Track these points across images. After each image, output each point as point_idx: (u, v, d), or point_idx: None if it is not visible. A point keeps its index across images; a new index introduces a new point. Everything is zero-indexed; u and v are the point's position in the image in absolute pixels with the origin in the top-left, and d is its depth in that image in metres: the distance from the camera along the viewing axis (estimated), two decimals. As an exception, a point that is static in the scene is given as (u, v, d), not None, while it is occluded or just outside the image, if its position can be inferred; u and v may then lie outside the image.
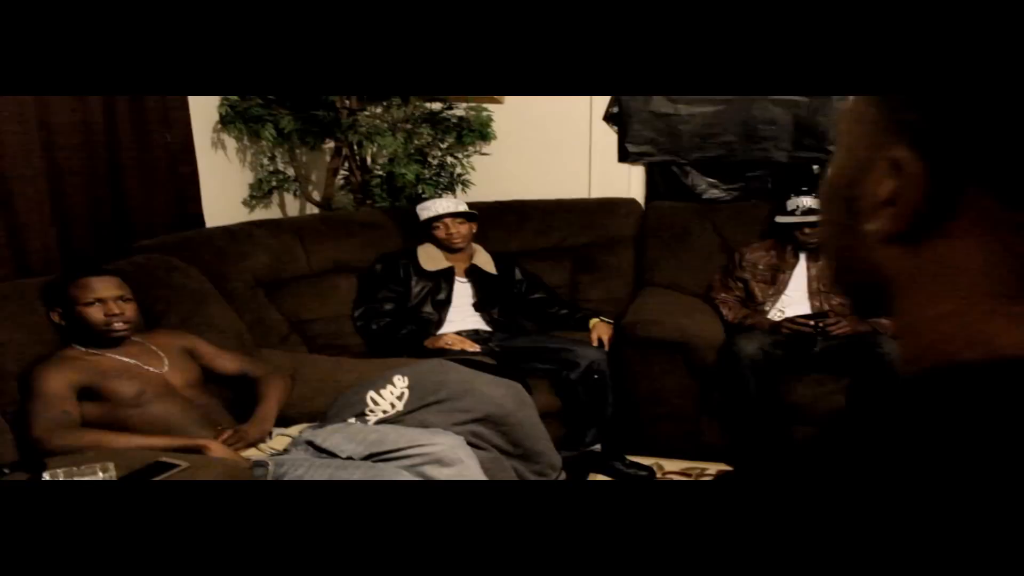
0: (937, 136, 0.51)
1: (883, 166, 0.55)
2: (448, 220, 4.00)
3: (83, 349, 2.75)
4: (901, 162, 0.53)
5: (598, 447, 3.69)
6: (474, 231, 4.10)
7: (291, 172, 4.67)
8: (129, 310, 2.82)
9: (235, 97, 4.27)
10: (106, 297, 2.76)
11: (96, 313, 2.74)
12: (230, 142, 4.42)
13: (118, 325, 2.77)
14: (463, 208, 4.06)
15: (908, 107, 0.53)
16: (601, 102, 4.67)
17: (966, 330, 0.53)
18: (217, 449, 2.57)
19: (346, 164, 4.51)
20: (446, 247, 4.02)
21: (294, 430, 2.87)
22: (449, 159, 4.55)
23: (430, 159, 4.50)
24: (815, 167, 4.56)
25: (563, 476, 3.16)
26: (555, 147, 4.77)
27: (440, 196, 4.27)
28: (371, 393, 2.87)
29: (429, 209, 4.04)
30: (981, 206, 0.51)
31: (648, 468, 3.73)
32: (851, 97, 0.62)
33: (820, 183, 0.70)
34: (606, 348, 3.85)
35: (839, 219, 0.61)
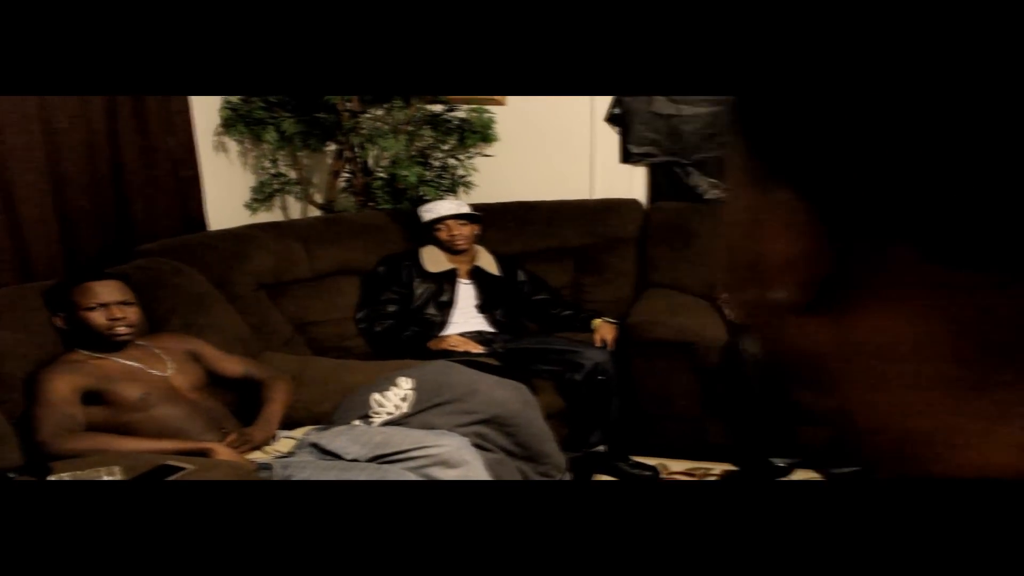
0: (822, 174, 0.37)
1: (776, 214, 0.40)
2: (451, 222, 4.00)
3: (87, 353, 2.75)
4: (788, 208, 0.39)
5: (602, 448, 3.69)
6: (477, 233, 4.10)
7: (293, 175, 4.67)
8: (132, 314, 2.82)
9: (237, 100, 4.27)
10: (108, 301, 2.76)
11: (99, 317, 2.74)
12: (232, 145, 4.42)
13: (121, 329, 2.77)
14: (466, 210, 4.06)
15: (781, 132, 0.39)
16: (602, 103, 4.66)
17: (921, 432, 0.40)
18: (223, 452, 2.56)
19: (348, 166, 4.51)
20: (449, 249, 4.02)
21: (299, 432, 2.87)
22: (451, 161, 4.55)
23: (432, 161, 4.50)
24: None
25: (568, 477, 3.16)
26: (557, 148, 4.77)
27: (442, 198, 4.27)
28: (375, 395, 2.87)
29: (432, 211, 4.04)
30: (904, 264, 0.36)
31: (652, 468, 3.73)
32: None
33: None
34: (610, 349, 3.84)
35: (746, 287, 0.45)
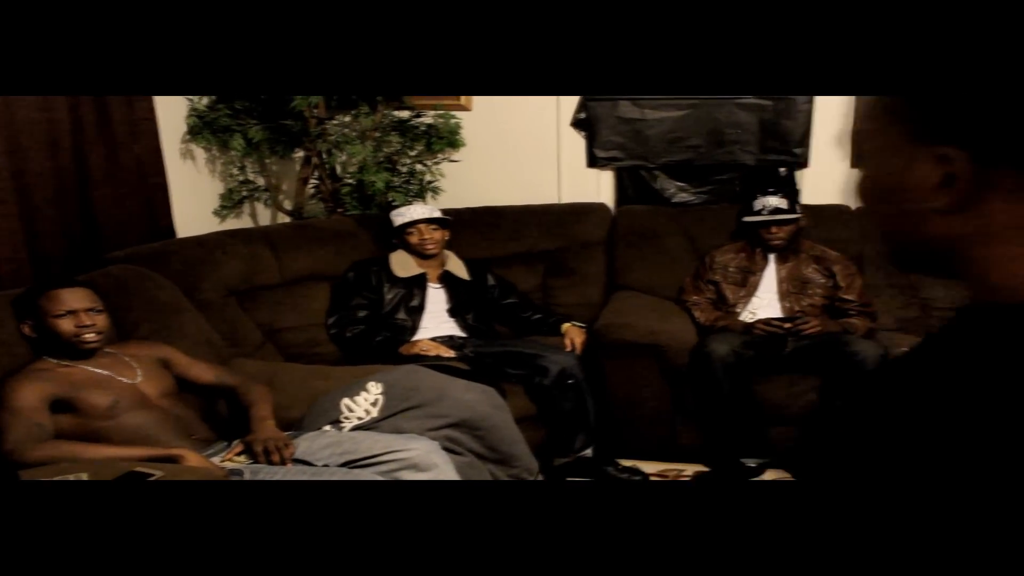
0: (981, 136, 0.71)
1: (928, 160, 0.74)
2: (422, 226, 4.01)
3: (55, 361, 2.74)
4: (950, 155, 0.72)
5: (589, 452, 3.70)
6: (447, 238, 4.11)
7: (261, 181, 4.66)
8: (100, 321, 2.80)
9: (203, 107, 4.26)
10: (77, 309, 2.75)
11: (67, 325, 2.73)
12: (199, 152, 4.41)
13: (89, 336, 2.75)
14: (437, 214, 4.07)
15: (942, 117, 0.73)
16: (568, 108, 4.69)
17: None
18: (192, 458, 2.56)
19: (316, 173, 4.51)
20: (418, 253, 4.03)
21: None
22: (418, 166, 4.56)
23: (399, 167, 4.50)
24: (781, 169, 4.60)
25: (540, 479, 3.18)
26: (524, 153, 4.79)
27: (411, 203, 4.28)
28: (345, 400, 2.88)
29: (403, 215, 4.05)
30: (1011, 177, 0.70)
31: (640, 472, 3.73)
32: (870, 115, 0.81)
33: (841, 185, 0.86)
34: (579, 352, 3.86)
35: (892, 207, 0.80)
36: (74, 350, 2.75)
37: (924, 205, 0.76)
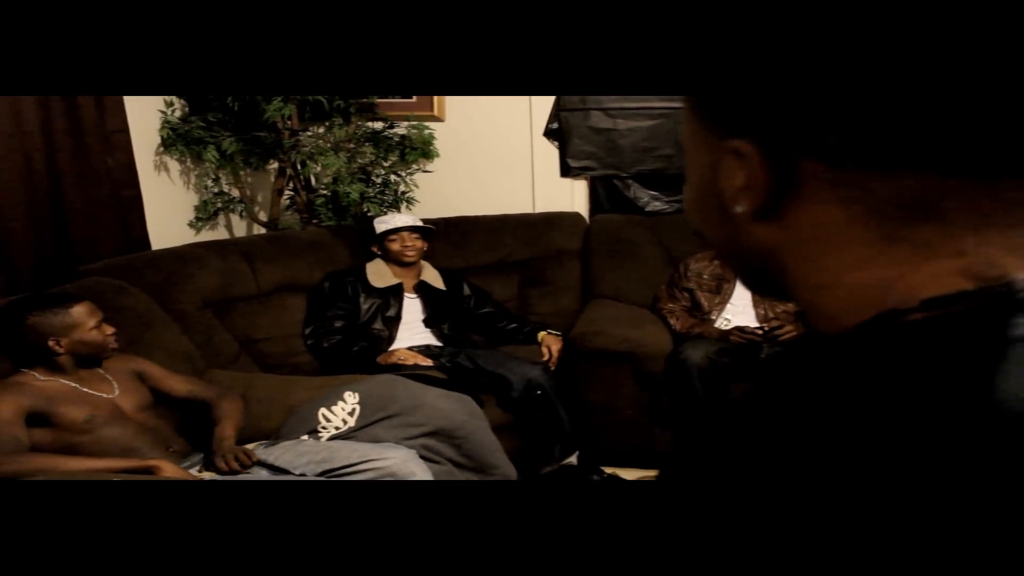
0: (763, 124, 0.57)
1: (730, 158, 0.60)
2: (405, 234, 4.04)
3: (34, 374, 2.72)
4: (741, 150, 0.59)
5: (574, 460, 3.70)
6: (425, 249, 4.13)
7: (236, 193, 4.65)
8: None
9: (176, 119, 4.26)
10: (102, 318, 2.82)
11: (99, 335, 2.80)
12: (173, 164, 4.40)
13: (115, 344, 2.86)
14: (421, 223, 4.10)
15: (733, 107, 0.60)
16: (541, 118, 4.71)
17: (862, 284, 0.57)
18: (168, 469, 2.55)
19: (290, 184, 4.51)
20: (397, 261, 4.04)
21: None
22: (393, 177, 4.57)
23: (374, 177, 4.51)
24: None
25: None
26: (497, 163, 4.80)
27: (385, 213, 4.30)
28: (323, 410, 2.88)
29: (388, 222, 4.06)
30: (816, 173, 0.56)
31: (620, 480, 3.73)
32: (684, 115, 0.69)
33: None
34: (555, 360, 3.87)
35: (713, 217, 0.66)
36: (90, 360, 2.83)
37: (732, 211, 0.62)
